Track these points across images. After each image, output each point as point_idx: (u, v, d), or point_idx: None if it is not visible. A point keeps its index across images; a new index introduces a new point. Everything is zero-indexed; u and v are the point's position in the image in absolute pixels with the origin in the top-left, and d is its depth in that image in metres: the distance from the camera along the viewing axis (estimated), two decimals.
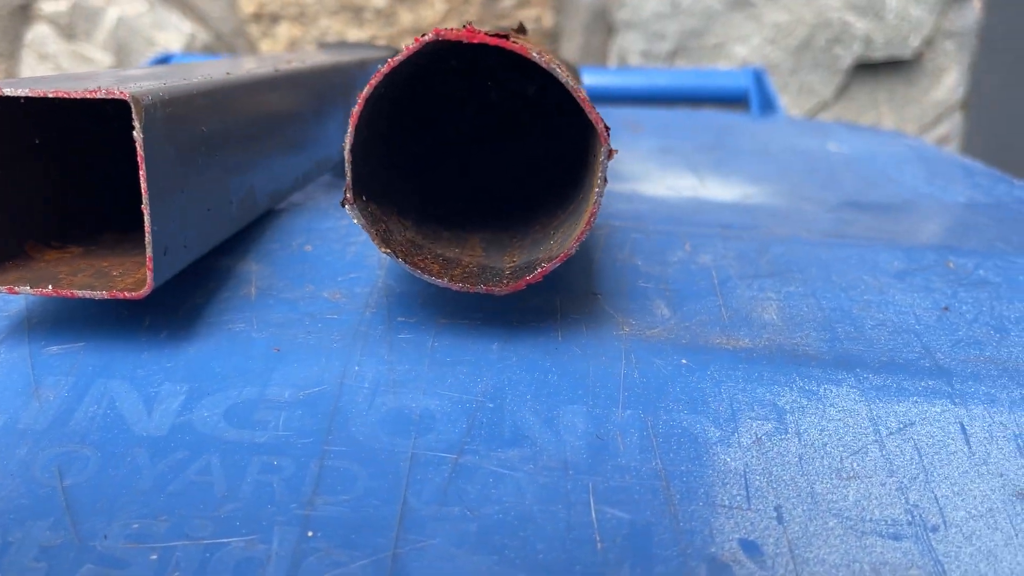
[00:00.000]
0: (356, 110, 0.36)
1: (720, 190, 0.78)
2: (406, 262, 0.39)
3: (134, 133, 0.35)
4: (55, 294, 0.38)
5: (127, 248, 0.44)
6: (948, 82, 1.72)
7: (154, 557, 0.32)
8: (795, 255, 0.51)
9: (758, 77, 1.44)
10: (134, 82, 0.38)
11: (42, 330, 0.41)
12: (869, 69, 1.74)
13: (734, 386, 0.39)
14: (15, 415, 0.37)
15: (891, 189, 0.79)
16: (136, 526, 0.33)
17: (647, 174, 0.86)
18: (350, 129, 0.36)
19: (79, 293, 0.38)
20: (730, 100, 1.45)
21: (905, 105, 1.74)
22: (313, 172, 0.63)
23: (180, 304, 0.43)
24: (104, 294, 0.38)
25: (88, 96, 0.35)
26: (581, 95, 0.35)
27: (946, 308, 0.46)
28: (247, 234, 0.51)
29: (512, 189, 0.56)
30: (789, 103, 1.75)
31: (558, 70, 0.34)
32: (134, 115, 0.35)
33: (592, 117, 0.35)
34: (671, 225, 0.57)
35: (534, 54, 0.34)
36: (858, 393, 0.39)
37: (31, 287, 0.38)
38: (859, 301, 0.46)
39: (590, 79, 1.44)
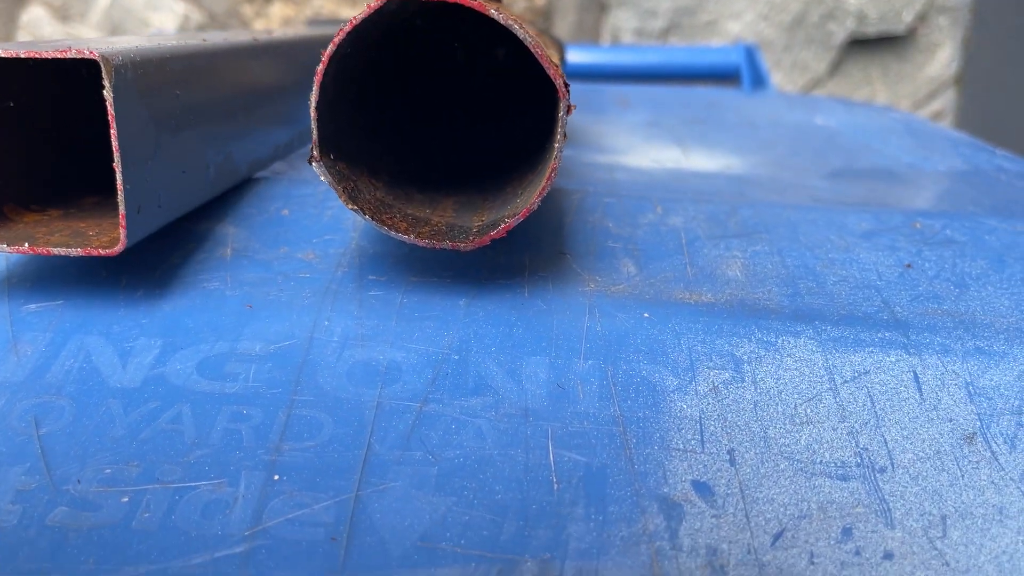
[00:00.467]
0: (320, 68, 0.37)
1: (703, 161, 0.79)
2: (373, 219, 0.40)
3: (104, 92, 0.36)
4: (31, 252, 0.39)
5: (105, 211, 0.45)
6: (942, 57, 1.72)
7: (125, 500, 0.33)
8: (764, 217, 0.52)
9: (750, 53, 1.44)
10: (107, 44, 0.39)
11: (22, 288, 0.42)
12: (863, 45, 1.74)
13: (694, 338, 0.40)
14: None
15: (872, 159, 0.79)
16: (108, 471, 0.34)
17: (632, 147, 0.87)
18: (315, 87, 0.37)
19: (55, 251, 0.39)
20: (722, 77, 1.46)
21: (899, 81, 1.74)
22: (296, 142, 0.63)
23: (157, 264, 0.44)
24: (79, 251, 0.39)
25: (59, 56, 0.36)
26: (540, 51, 0.35)
27: (909, 265, 0.46)
28: (226, 199, 0.52)
29: (488, 154, 0.56)
30: (783, 80, 1.75)
31: (516, 27, 0.35)
32: (104, 75, 0.36)
33: (550, 73, 0.36)
34: (646, 191, 0.57)
35: (492, 11, 0.34)
36: (816, 344, 0.40)
37: (8, 245, 0.39)
38: (824, 259, 0.47)
39: (582, 56, 1.45)
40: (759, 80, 1.41)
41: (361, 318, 0.41)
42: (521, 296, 0.42)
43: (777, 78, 1.76)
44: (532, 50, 0.35)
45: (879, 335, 0.40)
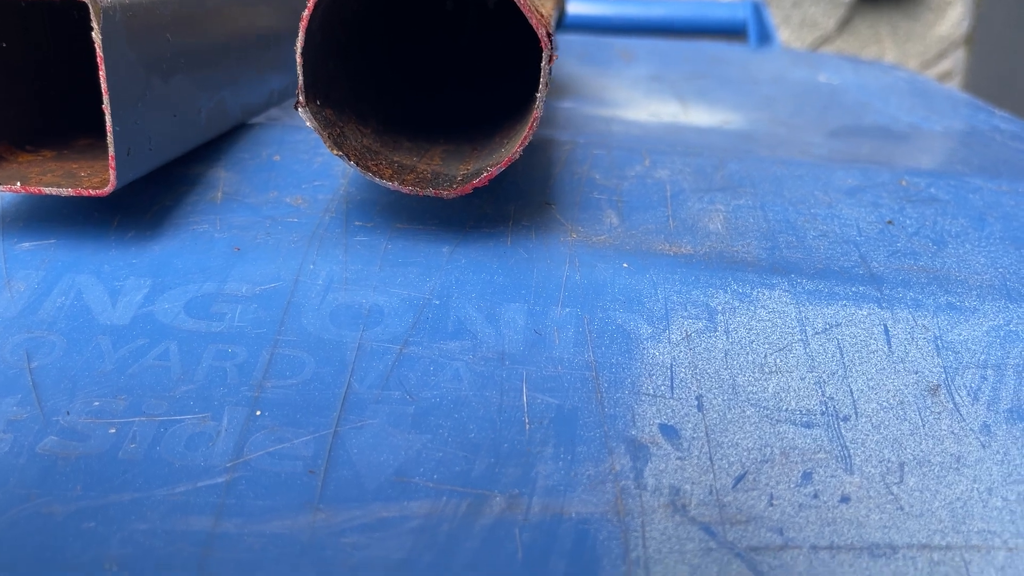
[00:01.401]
0: (306, 13, 0.37)
1: (701, 116, 0.79)
2: (358, 165, 0.40)
3: (92, 35, 0.37)
4: (23, 191, 0.40)
5: (98, 153, 0.46)
6: (952, 17, 1.70)
7: (112, 431, 0.34)
8: (750, 171, 0.52)
9: (756, 9, 1.43)
10: None
11: (15, 228, 0.43)
12: (873, 3, 1.72)
13: (670, 288, 0.41)
14: None
15: (872, 118, 0.79)
16: (97, 404, 0.35)
17: (631, 101, 0.87)
18: (300, 32, 0.38)
19: (46, 190, 0.40)
20: (728, 32, 1.44)
21: (908, 40, 1.72)
22: (291, 88, 0.64)
23: (149, 206, 0.45)
24: (70, 191, 0.40)
25: None
26: (523, 1, 0.36)
27: (890, 222, 0.47)
28: (219, 144, 0.52)
29: (480, 105, 0.57)
30: (791, 36, 1.73)
31: None
32: (92, 17, 0.37)
33: (532, 22, 0.36)
34: (637, 144, 0.58)
35: None
36: (790, 296, 0.40)
37: (0, 184, 0.40)
38: (806, 214, 0.47)
39: (587, 8, 1.43)
40: (765, 36, 1.40)
41: (346, 263, 0.41)
42: (504, 245, 0.43)
43: (785, 35, 1.74)
44: (518, 3, 0.36)
45: (853, 289, 0.41)
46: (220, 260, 0.42)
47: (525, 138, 0.39)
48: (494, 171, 0.40)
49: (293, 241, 0.43)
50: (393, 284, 0.40)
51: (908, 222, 0.47)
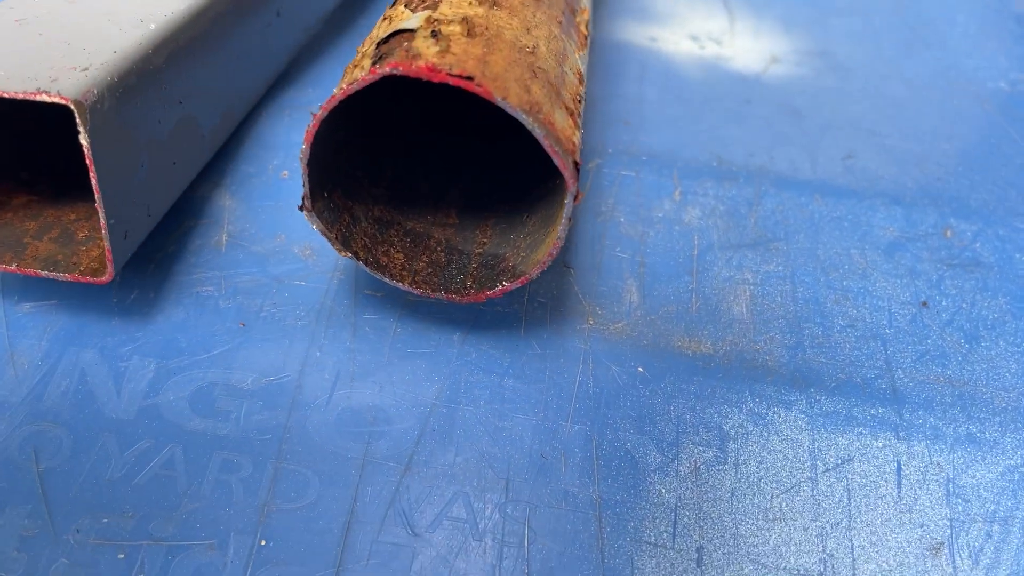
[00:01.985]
0: (312, 127, 0.34)
1: (746, 47, 0.73)
2: (368, 261, 0.38)
3: (80, 139, 0.34)
4: (18, 271, 0.38)
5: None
6: None
7: (121, 556, 0.35)
8: (787, 212, 0.49)
9: None
10: (81, 67, 0.35)
11: (15, 284, 0.42)
12: None
13: (684, 404, 0.40)
14: None
15: (965, 71, 0.71)
16: (105, 521, 0.36)
17: (672, 13, 0.80)
18: (305, 145, 0.34)
19: (43, 273, 0.38)
20: None
21: None
22: (290, 66, 0.59)
23: (152, 254, 0.43)
24: (66, 276, 0.38)
25: (28, 98, 0.33)
26: (549, 144, 0.32)
27: (925, 303, 0.45)
28: (225, 149, 0.49)
29: (497, 149, 0.52)
30: None
31: (527, 118, 0.31)
32: (78, 122, 0.33)
33: (558, 163, 0.32)
34: (667, 156, 0.54)
35: (498, 100, 0.31)
36: (806, 420, 0.39)
37: None
38: (838, 289, 0.45)
39: None
40: None
41: (354, 351, 0.40)
42: (517, 333, 0.41)
43: None
44: (542, 143, 0.32)
45: (872, 412, 0.40)
46: (225, 339, 0.40)
47: (543, 263, 0.36)
48: (509, 286, 0.38)
49: (300, 317, 0.41)
50: (401, 381, 0.40)
51: (944, 303, 0.45)
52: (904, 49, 0.73)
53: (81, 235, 0.41)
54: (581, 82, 0.40)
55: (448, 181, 0.46)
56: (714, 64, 0.70)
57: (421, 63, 0.31)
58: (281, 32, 0.54)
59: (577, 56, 0.42)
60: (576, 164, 0.33)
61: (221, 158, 0.49)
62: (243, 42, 0.48)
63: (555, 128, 0.33)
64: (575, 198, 0.34)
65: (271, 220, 0.46)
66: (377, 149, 0.44)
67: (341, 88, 0.32)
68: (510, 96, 0.31)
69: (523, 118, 0.31)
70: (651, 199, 0.49)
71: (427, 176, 0.46)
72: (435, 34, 0.33)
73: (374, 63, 0.32)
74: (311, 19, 0.59)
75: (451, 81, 0.31)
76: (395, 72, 0.31)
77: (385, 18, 0.38)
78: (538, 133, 0.32)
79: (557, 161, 0.32)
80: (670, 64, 0.69)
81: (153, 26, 0.39)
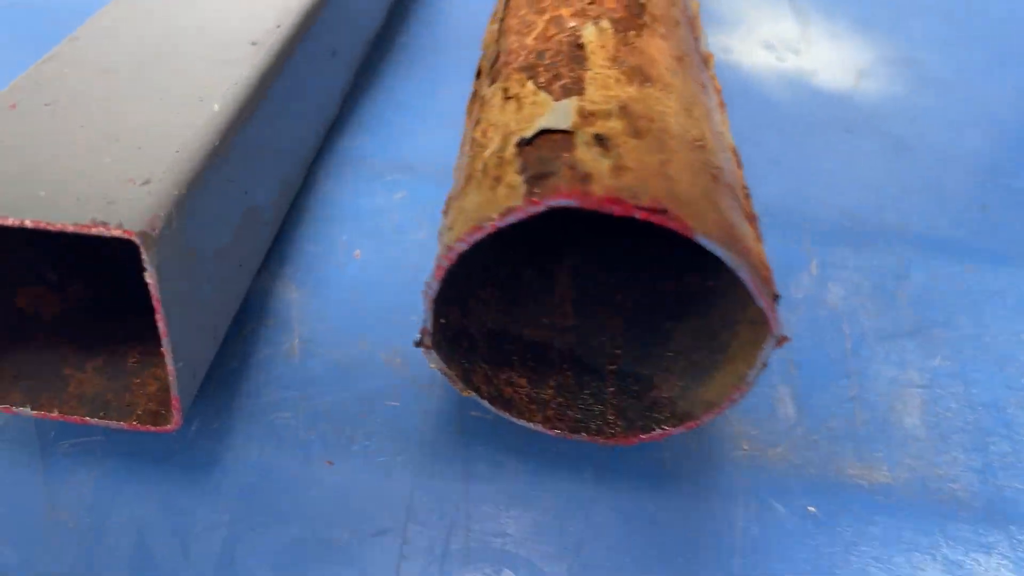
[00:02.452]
0: (446, 264, 0.26)
1: (827, 58, 0.65)
2: (491, 397, 0.31)
3: (145, 276, 0.26)
4: (62, 419, 0.31)
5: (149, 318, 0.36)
6: None
7: None
8: (939, 287, 0.42)
9: None
10: (140, 184, 0.28)
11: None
12: None
13: (868, 552, 0.33)
14: (28, 552, 0.32)
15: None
16: None
17: (741, 15, 0.72)
18: (435, 282, 0.27)
19: (92, 421, 0.31)
20: None
21: None
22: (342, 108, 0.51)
23: (212, 371, 0.36)
24: (122, 425, 0.31)
25: (81, 231, 0.26)
26: (756, 285, 0.25)
27: None
28: (285, 228, 0.42)
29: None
30: None
31: (728, 255, 0.24)
32: (144, 256, 0.26)
33: (763, 305, 0.25)
34: (787, 211, 0.47)
35: (699, 236, 0.24)
36: (1011, 568, 0.33)
37: (32, 407, 0.31)
38: (1016, 387, 0.39)
39: None
40: None
41: (467, 496, 0.33)
42: (659, 466, 0.35)
43: None
44: (748, 285, 0.25)
45: None
46: (311, 483, 0.33)
47: (719, 408, 0.29)
48: (671, 431, 0.31)
49: (398, 451, 0.34)
50: (522, 544, 0.33)
51: None
52: (996, 56, 0.66)
53: (131, 361, 0.33)
54: (739, 163, 0.33)
55: (550, 259, 0.39)
56: (797, 80, 0.63)
57: (598, 190, 0.24)
58: (337, 74, 0.46)
59: (720, 119, 0.34)
60: (775, 297, 0.26)
61: (279, 237, 0.41)
62: (303, 96, 0.41)
63: (752, 256, 0.26)
64: (778, 344, 0.27)
65: (348, 318, 0.39)
66: (487, 266, 0.37)
67: (491, 219, 0.25)
68: (709, 226, 0.24)
69: (726, 256, 0.24)
70: (785, 274, 0.42)
71: (531, 257, 0.39)
72: (600, 140, 0.26)
73: (530, 184, 0.25)
74: (363, 52, 0.52)
75: (639, 215, 0.24)
76: (566, 205, 0.24)
77: (509, 96, 0.31)
78: (744, 275, 0.25)
79: (764, 303, 0.25)
80: (749, 82, 0.62)
81: (217, 106, 0.32)
